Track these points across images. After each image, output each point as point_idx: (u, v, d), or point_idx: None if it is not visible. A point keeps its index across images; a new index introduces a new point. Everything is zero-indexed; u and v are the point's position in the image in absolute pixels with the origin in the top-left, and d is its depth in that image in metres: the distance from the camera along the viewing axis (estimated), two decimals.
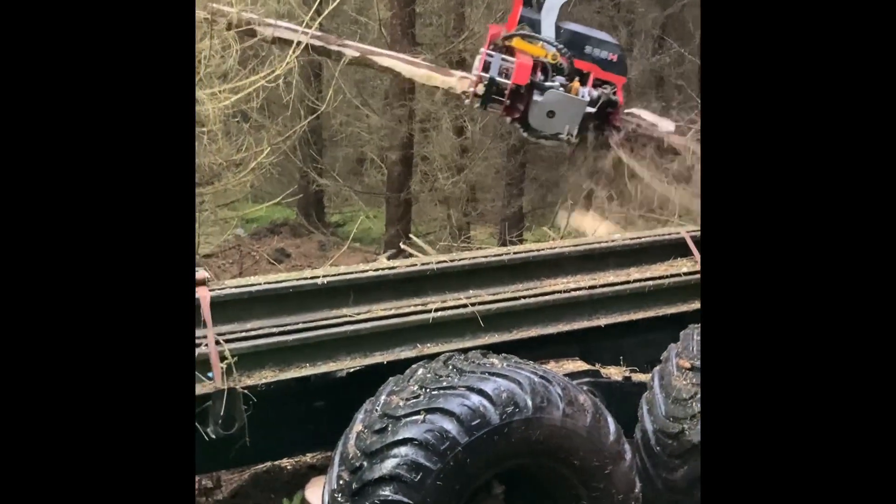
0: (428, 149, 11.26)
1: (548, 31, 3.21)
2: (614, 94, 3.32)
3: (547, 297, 3.61)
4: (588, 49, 3.28)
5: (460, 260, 3.57)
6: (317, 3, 7.18)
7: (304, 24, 6.01)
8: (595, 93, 3.27)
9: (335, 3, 7.70)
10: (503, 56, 3.22)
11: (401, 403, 2.77)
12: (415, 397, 2.78)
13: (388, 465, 2.63)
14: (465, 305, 3.44)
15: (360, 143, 13.27)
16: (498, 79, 3.18)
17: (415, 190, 11.03)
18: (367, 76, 13.20)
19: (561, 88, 3.23)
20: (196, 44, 6.02)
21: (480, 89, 3.23)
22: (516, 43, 3.22)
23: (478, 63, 3.25)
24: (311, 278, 3.27)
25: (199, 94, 6.09)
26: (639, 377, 3.63)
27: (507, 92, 3.19)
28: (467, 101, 3.42)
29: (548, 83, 3.22)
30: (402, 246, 8.05)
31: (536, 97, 3.23)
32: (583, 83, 3.26)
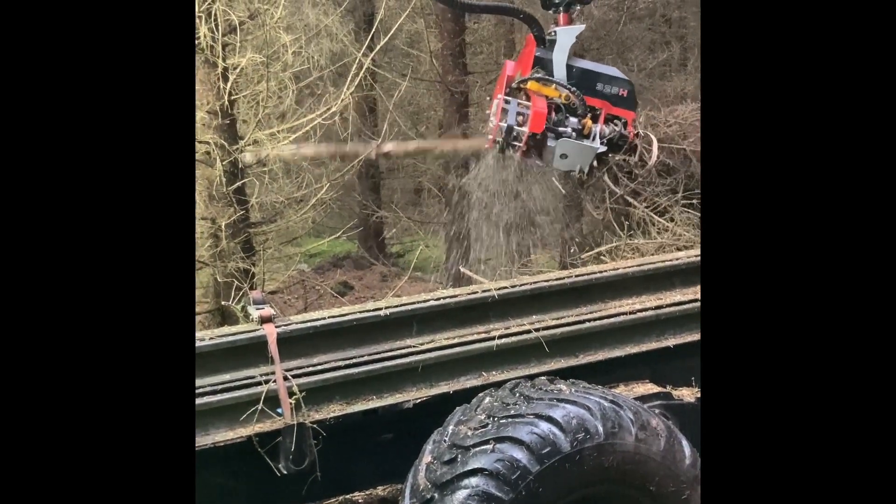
0: None
1: (559, 70, 3.23)
2: (625, 127, 3.31)
3: (613, 320, 3.54)
4: (599, 86, 3.28)
5: (522, 285, 3.54)
6: (368, 39, 7.34)
7: (355, 64, 6.14)
8: (606, 130, 3.28)
9: (387, 39, 7.85)
10: (519, 101, 3.25)
11: (469, 433, 2.75)
12: (483, 426, 2.76)
13: (459, 497, 2.61)
14: (529, 331, 3.41)
15: (417, 173, 13.40)
16: (515, 127, 3.21)
17: (473, 217, 11.04)
18: (422, 107, 13.36)
19: (574, 133, 3.24)
20: (253, 86, 6.21)
21: (499, 136, 3.25)
22: (531, 86, 3.25)
23: (495, 109, 3.27)
24: (374, 310, 3.28)
25: (259, 134, 6.27)
26: None
27: (524, 138, 3.22)
28: (486, 146, 3.44)
29: (561, 129, 3.24)
30: (462, 270, 8.06)
31: (550, 142, 3.26)
32: (594, 120, 3.26)
